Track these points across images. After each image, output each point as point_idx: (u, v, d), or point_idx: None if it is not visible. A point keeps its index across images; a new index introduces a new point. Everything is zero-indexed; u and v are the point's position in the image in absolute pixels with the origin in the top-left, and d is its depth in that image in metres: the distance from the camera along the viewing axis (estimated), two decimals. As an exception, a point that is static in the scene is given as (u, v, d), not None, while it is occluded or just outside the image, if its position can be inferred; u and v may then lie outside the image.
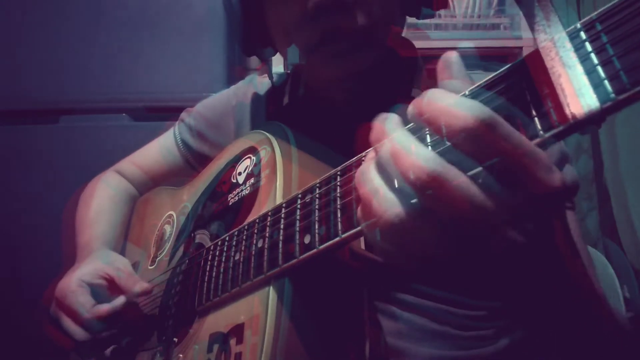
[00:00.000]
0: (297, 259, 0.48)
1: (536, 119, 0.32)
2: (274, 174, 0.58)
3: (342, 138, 0.60)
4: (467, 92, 0.37)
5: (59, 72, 1.39)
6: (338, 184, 0.46)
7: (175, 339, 0.64)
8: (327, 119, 0.73)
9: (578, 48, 0.31)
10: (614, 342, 0.51)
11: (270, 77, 0.80)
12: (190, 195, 0.79)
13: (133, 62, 1.39)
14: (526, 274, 0.42)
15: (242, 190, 0.64)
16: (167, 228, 0.80)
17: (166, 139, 0.93)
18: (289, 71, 0.86)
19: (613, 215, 1.61)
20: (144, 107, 1.39)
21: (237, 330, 0.52)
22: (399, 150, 0.35)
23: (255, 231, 0.55)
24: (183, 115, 0.93)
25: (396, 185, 0.36)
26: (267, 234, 0.53)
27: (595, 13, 0.30)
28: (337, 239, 0.44)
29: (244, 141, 0.70)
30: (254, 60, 1.50)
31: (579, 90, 0.30)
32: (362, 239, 0.56)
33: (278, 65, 0.77)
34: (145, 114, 1.39)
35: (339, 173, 0.47)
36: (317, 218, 0.47)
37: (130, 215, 0.94)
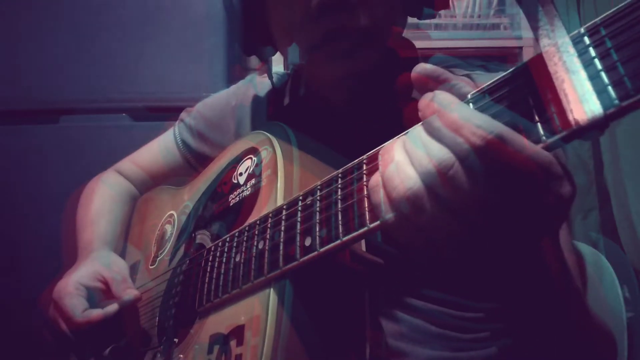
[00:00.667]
0: (297, 261, 0.48)
1: (539, 124, 0.32)
2: (275, 175, 0.58)
3: (342, 138, 0.60)
4: (469, 97, 0.37)
5: (59, 72, 1.38)
6: (339, 186, 0.46)
7: (176, 340, 0.64)
8: (327, 119, 0.72)
9: (582, 53, 0.30)
10: (588, 342, 0.52)
11: (270, 77, 0.80)
12: (191, 195, 0.79)
13: (133, 62, 1.39)
14: (520, 277, 0.43)
15: (243, 191, 0.64)
16: (168, 228, 0.80)
17: (166, 138, 0.93)
18: (289, 71, 0.86)
19: (613, 215, 1.61)
20: (144, 107, 1.39)
21: (238, 332, 0.52)
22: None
23: (256, 232, 0.55)
24: (183, 115, 0.93)
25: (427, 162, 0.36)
26: (267, 236, 0.53)
27: (600, 18, 0.30)
28: (338, 241, 0.44)
29: (245, 142, 0.70)
30: (253, 60, 1.50)
31: (582, 96, 0.29)
32: (363, 241, 0.56)
33: (278, 65, 0.77)
34: (145, 114, 1.39)
35: (340, 175, 0.47)
36: (318, 220, 0.47)
37: (130, 215, 0.94)
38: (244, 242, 0.56)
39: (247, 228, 0.57)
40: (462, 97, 0.38)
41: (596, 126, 0.29)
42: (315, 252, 0.46)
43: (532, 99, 0.33)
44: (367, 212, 0.41)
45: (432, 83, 0.40)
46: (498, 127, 0.33)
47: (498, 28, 1.92)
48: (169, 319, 0.67)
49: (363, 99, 0.70)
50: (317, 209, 0.47)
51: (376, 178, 0.40)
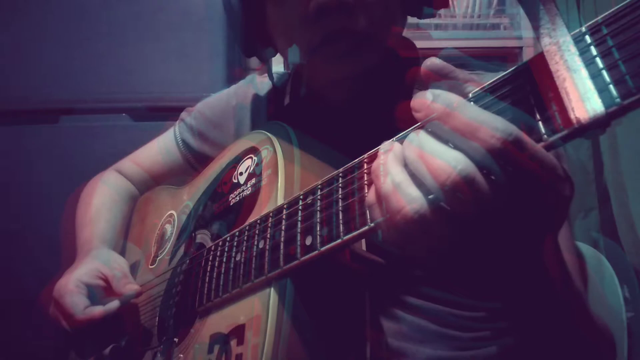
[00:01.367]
0: (298, 261, 0.48)
1: (540, 122, 0.32)
2: (275, 174, 0.58)
3: (343, 138, 0.60)
4: (470, 95, 0.37)
5: (59, 72, 1.38)
6: (340, 185, 0.46)
7: (176, 339, 0.64)
8: (328, 119, 0.72)
9: (583, 52, 0.30)
10: (587, 342, 0.52)
11: (271, 77, 0.80)
12: (191, 194, 0.79)
13: (133, 62, 1.39)
14: (520, 277, 0.43)
15: (243, 191, 0.64)
16: (168, 227, 0.80)
17: (166, 138, 0.93)
18: (289, 71, 0.86)
19: (613, 215, 1.61)
20: (144, 107, 1.39)
21: (238, 331, 0.52)
22: (426, 152, 0.35)
23: (257, 232, 0.55)
24: (183, 114, 0.93)
25: (420, 181, 0.36)
26: (268, 235, 0.53)
27: (601, 16, 0.30)
28: (339, 240, 0.44)
29: (245, 141, 0.70)
30: (254, 60, 1.50)
31: (584, 95, 0.29)
32: (363, 240, 0.56)
33: (278, 64, 0.77)
34: (145, 114, 1.39)
35: (340, 175, 0.47)
36: (318, 219, 0.47)
37: (130, 214, 0.94)
38: (245, 242, 0.56)
39: (247, 227, 0.57)
40: (464, 97, 0.37)
41: (598, 124, 0.29)
42: (316, 252, 0.46)
43: (533, 98, 0.33)
44: (367, 211, 0.41)
45: (441, 79, 0.39)
46: (514, 129, 0.32)
47: (498, 28, 1.92)
48: (169, 319, 0.67)
49: (363, 99, 0.70)
50: (318, 208, 0.47)
51: (373, 194, 0.40)
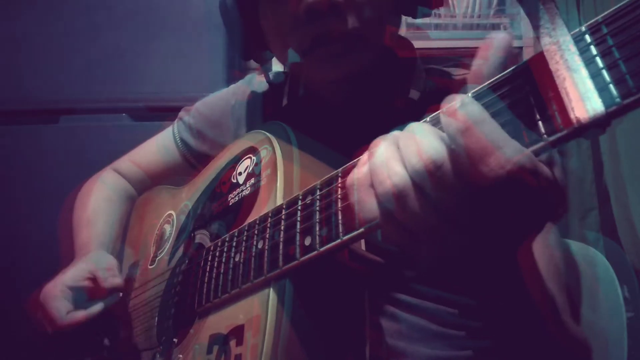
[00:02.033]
0: (297, 261, 0.47)
1: (540, 122, 0.32)
2: (274, 174, 0.58)
3: (341, 137, 0.60)
4: (470, 94, 0.37)
5: (59, 72, 1.38)
6: (339, 185, 0.46)
7: (175, 340, 0.64)
8: (325, 119, 0.72)
9: (583, 51, 0.30)
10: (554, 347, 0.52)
11: (268, 79, 0.81)
12: (190, 194, 0.79)
13: (133, 62, 1.39)
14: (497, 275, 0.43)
15: (242, 191, 0.64)
16: (167, 227, 0.80)
17: (164, 137, 0.92)
18: (286, 71, 0.86)
19: (613, 215, 1.61)
20: (144, 107, 1.39)
21: (237, 332, 0.52)
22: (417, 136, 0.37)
23: (256, 232, 0.55)
24: (182, 113, 0.92)
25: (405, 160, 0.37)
26: (267, 235, 0.53)
27: (601, 16, 0.30)
28: (338, 241, 0.44)
29: (244, 141, 0.70)
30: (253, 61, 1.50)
31: (584, 94, 0.29)
32: (362, 240, 0.56)
33: (278, 65, 0.77)
34: (145, 114, 1.39)
35: (339, 174, 0.47)
36: (317, 220, 0.47)
37: (128, 215, 0.94)
38: (244, 242, 0.56)
39: (246, 227, 0.57)
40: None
41: (598, 124, 0.29)
42: (315, 252, 0.46)
43: (533, 98, 0.33)
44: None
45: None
46: (527, 157, 0.32)
47: (498, 28, 1.92)
48: (168, 319, 0.67)
49: (360, 99, 0.70)
50: (317, 208, 0.47)
51: (361, 171, 0.41)
